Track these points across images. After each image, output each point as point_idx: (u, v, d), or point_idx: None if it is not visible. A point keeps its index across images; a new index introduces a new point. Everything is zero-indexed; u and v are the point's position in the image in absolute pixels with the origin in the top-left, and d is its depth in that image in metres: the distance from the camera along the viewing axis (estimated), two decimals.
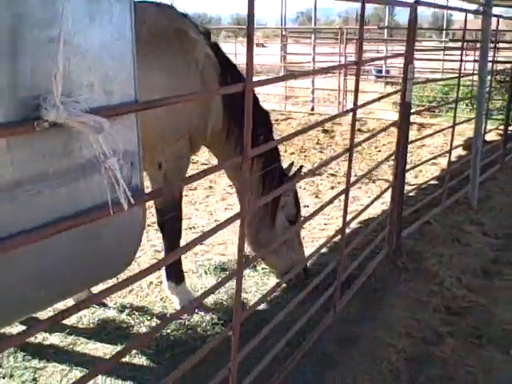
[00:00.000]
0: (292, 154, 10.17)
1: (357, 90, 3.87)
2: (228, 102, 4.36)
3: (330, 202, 4.06)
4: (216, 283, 2.91)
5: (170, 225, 4.35)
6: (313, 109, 14.74)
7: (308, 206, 7.10)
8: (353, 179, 4.51)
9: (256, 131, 4.52)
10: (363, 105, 4.32)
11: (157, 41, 3.97)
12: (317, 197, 7.60)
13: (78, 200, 1.83)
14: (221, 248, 5.84)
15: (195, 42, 4.17)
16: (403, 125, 5.14)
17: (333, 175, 8.73)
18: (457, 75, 7.12)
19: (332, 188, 7.96)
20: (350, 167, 4.03)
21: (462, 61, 6.94)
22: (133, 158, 1.99)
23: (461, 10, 6.97)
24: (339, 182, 8.14)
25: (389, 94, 5.60)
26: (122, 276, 4.91)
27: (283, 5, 19.23)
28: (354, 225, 6.40)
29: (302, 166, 4.92)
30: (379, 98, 5.23)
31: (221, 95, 4.30)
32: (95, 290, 4.17)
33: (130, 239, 2.09)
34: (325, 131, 11.78)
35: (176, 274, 4.54)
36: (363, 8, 3.72)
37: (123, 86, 1.95)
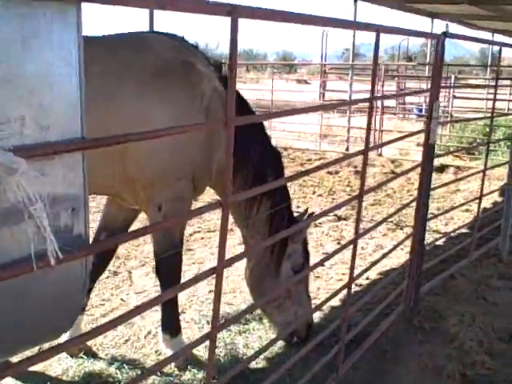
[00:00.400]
0: (320, 195, 9.85)
1: (369, 129, 3.57)
2: (235, 139, 4.09)
3: (334, 254, 3.75)
4: (195, 340, 2.62)
5: (166, 268, 4.06)
6: (347, 149, 14.41)
7: (327, 253, 6.73)
8: (364, 227, 4.17)
9: (265, 172, 4.26)
10: (375, 147, 4.00)
11: (162, 73, 3.76)
12: (338, 243, 7.23)
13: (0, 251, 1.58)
14: (229, 297, 5.52)
15: (202, 75, 3.95)
16: (426, 168, 4.77)
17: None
18: (492, 115, 6.71)
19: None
20: (358, 217, 3.70)
21: (495, 100, 6.55)
22: (75, 203, 1.72)
23: (494, 43, 6.63)
24: (364, 228, 7.76)
25: (411, 134, 5.25)
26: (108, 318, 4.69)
27: (323, 41, 19.18)
28: (373, 275, 6.04)
29: (312, 213, 4.61)
30: (401, 138, 4.92)
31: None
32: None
33: (68, 298, 1.82)
34: (357, 172, 11.42)
35: (171, 326, 4.23)
36: (377, 38, 3.42)
37: (65, 120, 1.69)
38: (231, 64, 2.12)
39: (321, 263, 3.77)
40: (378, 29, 3.36)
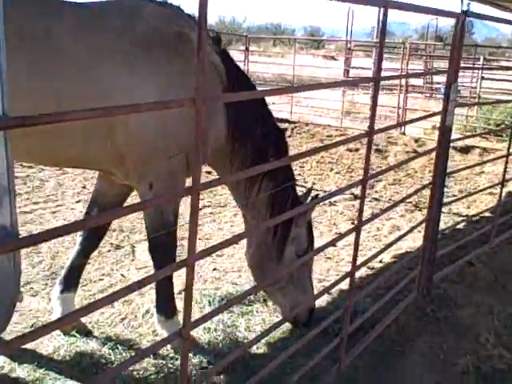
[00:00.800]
0: (337, 173, 9.54)
1: (374, 110, 3.28)
2: (233, 116, 3.82)
3: (337, 240, 3.49)
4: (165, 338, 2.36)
5: (158, 247, 3.80)
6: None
7: (341, 234, 6.46)
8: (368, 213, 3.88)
9: (266, 151, 3.98)
10: (380, 130, 3.68)
11: (152, 44, 3.46)
12: (353, 223, 6.94)
13: None
14: (234, 276, 5.29)
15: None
16: (442, 151, 4.47)
17: (376, 199, 8.06)
18: None
19: (372, 214, 7.26)
20: (362, 202, 3.40)
21: None
22: None
23: None
24: (381, 208, 7.44)
25: (426, 116, 4.94)
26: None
27: (349, 18, 18.75)
28: (387, 258, 5.77)
29: (317, 195, 4.32)
30: (413, 120, 4.63)
31: (225, 108, 3.77)
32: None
33: None
34: (378, 151, 11.08)
35: (167, 307, 4.01)
36: (385, 14, 3.11)
37: None
38: (200, 41, 1.82)
39: (327, 245, 3.50)
40: (386, 4, 3.05)
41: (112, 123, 3.36)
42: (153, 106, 1.92)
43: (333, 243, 3.52)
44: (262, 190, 4.02)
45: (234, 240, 2.48)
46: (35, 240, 1.47)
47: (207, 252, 2.19)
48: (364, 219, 3.60)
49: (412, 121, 4.45)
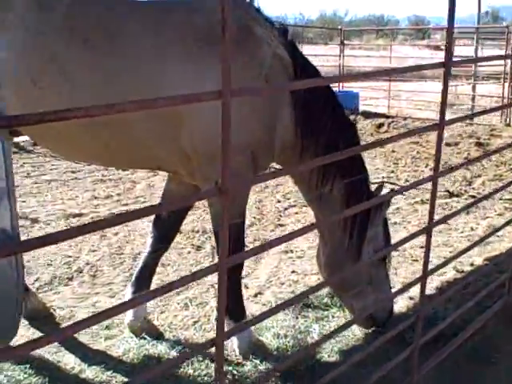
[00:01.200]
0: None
1: (444, 100, 2.99)
2: (301, 111, 3.67)
3: (406, 241, 3.23)
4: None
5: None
6: (472, 118, 13.33)
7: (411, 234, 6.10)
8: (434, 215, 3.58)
9: (337, 147, 3.78)
10: (451, 121, 3.34)
11: (213, 40, 3.41)
12: (446, 222, 6.55)
13: None
14: (313, 279, 5.10)
15: (261, 42, 3.55)
16: None
17: (473, 197, 7.58)
18: None
19: (467, 213, 6.79)
20: (433, 200, 3.12)
21: None
22: None
23: None
24: (478, 207, 6.96)
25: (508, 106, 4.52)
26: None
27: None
28: (479, 261, 5.38)
29: (392, 189, 4.08)
30: (495, 109, 4.23)
31: (291, 103, 3.63)
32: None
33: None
34: (478, 144, 10.48)
35: (235, 311, 3.91)
36: None
37: None
38: (224, 34, 1.66)
39: (397, 246, 3.28)
40: None
41: (177, 124, 3.38)
42: (176, 101, 1.79)
43: (402, 244, 3.27)
44: (334, 188, 3.84)
45: (281, 241, 2.29)
46: (35, 244, 1.38)
47: (241, 256, 2.05)
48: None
49: (486, 112, 4.07)
